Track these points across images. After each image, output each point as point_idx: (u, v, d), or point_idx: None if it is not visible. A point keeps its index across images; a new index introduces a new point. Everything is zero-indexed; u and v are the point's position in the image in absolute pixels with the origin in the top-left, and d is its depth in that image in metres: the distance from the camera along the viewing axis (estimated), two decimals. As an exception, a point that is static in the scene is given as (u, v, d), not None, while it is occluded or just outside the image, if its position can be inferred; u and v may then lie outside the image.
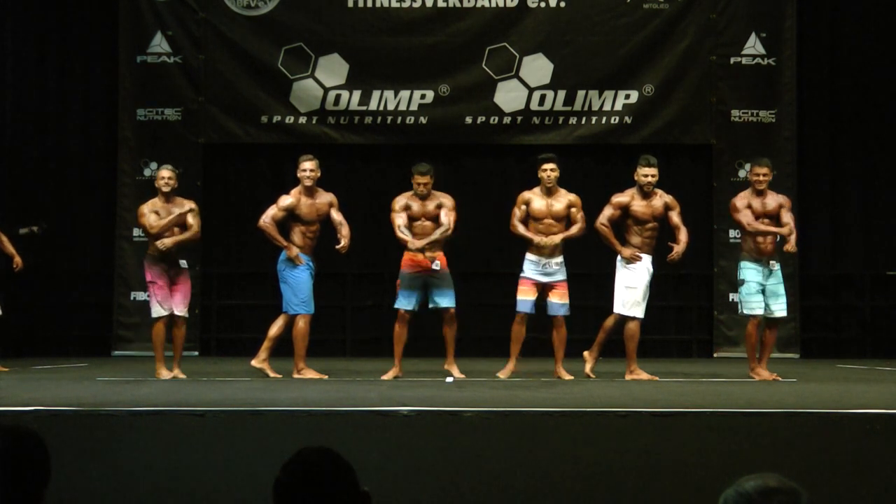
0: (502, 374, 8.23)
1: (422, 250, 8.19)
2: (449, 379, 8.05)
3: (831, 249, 11.93)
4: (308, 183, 8.33)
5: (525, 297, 8.31)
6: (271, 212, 8.39)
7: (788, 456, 4.82)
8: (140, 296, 10.76)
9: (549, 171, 8.28)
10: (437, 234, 8.32)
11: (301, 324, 8.29)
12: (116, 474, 4.80)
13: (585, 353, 8.47)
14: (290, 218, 8.37)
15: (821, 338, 11.78)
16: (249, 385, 7.48)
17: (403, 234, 8.28)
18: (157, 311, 8.28)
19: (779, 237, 8.58)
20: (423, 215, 8.37)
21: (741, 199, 8.39)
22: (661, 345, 11.27)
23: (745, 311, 8.35)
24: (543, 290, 8.30)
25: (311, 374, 8.24)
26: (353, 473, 2.43)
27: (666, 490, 4.75)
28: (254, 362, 8.27)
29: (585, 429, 5.05)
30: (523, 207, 8.35)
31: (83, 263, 11.77)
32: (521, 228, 8.33)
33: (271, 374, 8.16)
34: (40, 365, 9.67)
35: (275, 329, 8.36)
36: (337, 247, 8.39)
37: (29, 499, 2.48)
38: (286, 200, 8.39)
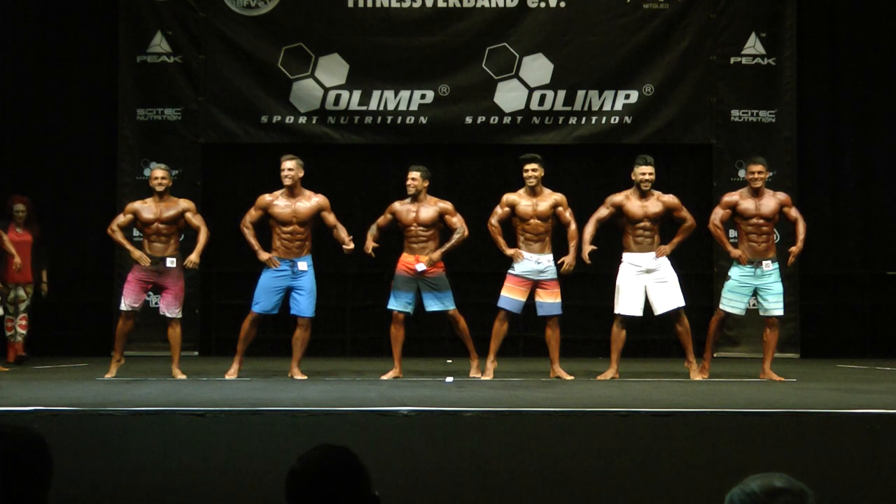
0: (486, 376, 8.20)
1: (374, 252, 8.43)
2: (448, 379, 8.05)
3: (831, 249, 11.93)
4: (288, 182, 8.30)
5: (511, 295, 8.27)
6: (248, 214, 8.40)
7: (788, 456, 4.82)
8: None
9: (530, 171, 8.28)
10: (454, 240, 8.39)
11: (245, 319, 8.33)
12: (116, 474, 4.80)
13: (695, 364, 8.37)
14: (268, 218, 8.35)
15: (821, 338, 11.77)
16: (249, 385, 7.48)
17: (369, 234, 8.42)
18: (121, 305, 8.36)
19: (778, 238, 8.57)
20: (415, 221, 8.36)
21: (730, 196, 8.43)
22: (661, 345, 11.27)
23: (720, 305, 8.40)
24: (533, 289, 8.28)
25: (234, 368, 8.20)
26: (367, 476, 2.45)
27: (666, 490, 4.75)
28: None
29: (585, 429, 5.04)
30: (506, 209, 8.34)
31: (83, 263, 11.77)
32: (496, 234, 8.34)
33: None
34: (40, 365, 9.67)
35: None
36: (345, 248, 8.38)
37: (31, 502, 2.48)
38: (262, 200, 8.39)
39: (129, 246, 8.33)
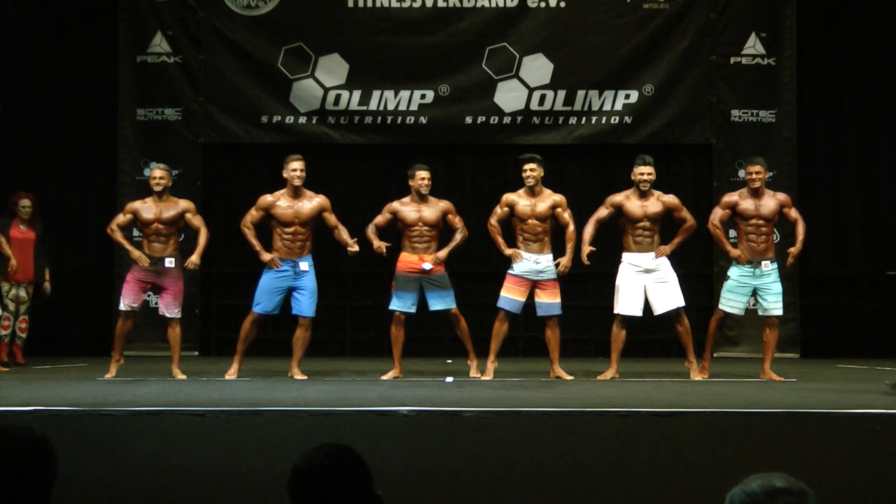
0: (486, 376, 8.20)
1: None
2: (448, 379, 8.05)
3: (831, 249, 11.93)
4: (297, 183, 8.29)
5: (511, 295, 8.26)
6: (249, 214, 8.38)
7: (788, 456, 4.82)
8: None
9: (529, 171, 8.29)
10: (458, 240, 8.44)
11: (246, 320, 8.32)
12: (116, 474, 4.80)
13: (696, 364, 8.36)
14: (270, 219, 8.34)
15: (821, 338, 11.77)
16: (249, 385, 7.48)
17: (371, 233, 8.38)
18: (121, 305, 8.37)
19: (778, 238, 8.57)
20: (420, 220, 8.36)
21: (729, 196, 8.43)
22: (661, 345, 11.27)
23: (720, 305, 8.39)
24: (532, 289, 8.28)
25: (234, 368, 8.19)
26: (370, 476, 2.45)
27: (666, 490, 4.75)
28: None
29: (585, 429, 5.05)
30: (506, 209, 8.35)
31: (83, 263, 11.77)
32: (496, 234, 8.34)
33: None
34: (40, 365, 9.67)
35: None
36: (350, 251, 8.36)
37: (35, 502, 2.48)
38: (263, 200, 8.36)
39: (128, 246, 8.33)
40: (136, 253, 8.21)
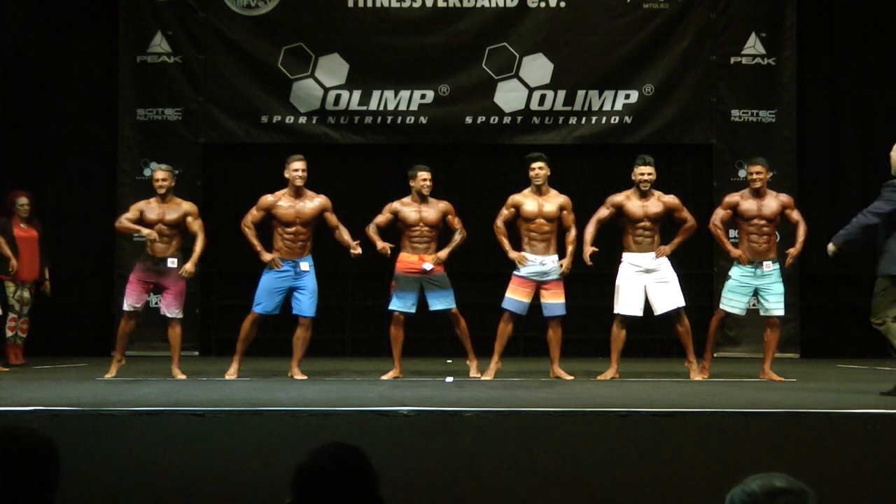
0: (487, 376, 8.20)
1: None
2: (448, 379, 8.05)
3: (831, 249, 11.91)
4: (299, 183, 8.29)
5: (516, 296, 8.27)
6: (250, 214, 8.37)
7: (788, 456, 4.82)
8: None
9: (537, 169, 8.28)
10: (458, 240, 8.45)
11: (246, 319, 8.30)
12: (116, 474, 4.80)
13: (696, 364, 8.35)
14: (271, 219, 8.34)
15: (821, 338, 11.77)
16: (249, 385, 7.48)
17: (373, 233, 8.37)
18: (124, 305, 8.35)
19: (778, 238, 8.58)
20: (420, 221, 8.35)
21: (731, 197, 8.43)
22: (661, 345, 11.27)
23: (721, 305, 8.39)
24: (538, 290, 8.28)
25: (234, 368, 8.19)
26: (374, 476, 2.45)
27: (666, 490, 4.75)
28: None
29: (585, 429, 5.04)
30: (512, 209, 8.34)
31: (83, 263, 11.77)
32: (501, 235, 8.34)
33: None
34: (40, 365, 9.67)
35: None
36: (353, 252, 8.34)
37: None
38: (264, 200, 8.34)
39: (139, 227, 8.32)
40: (152, 235, 8.18)
